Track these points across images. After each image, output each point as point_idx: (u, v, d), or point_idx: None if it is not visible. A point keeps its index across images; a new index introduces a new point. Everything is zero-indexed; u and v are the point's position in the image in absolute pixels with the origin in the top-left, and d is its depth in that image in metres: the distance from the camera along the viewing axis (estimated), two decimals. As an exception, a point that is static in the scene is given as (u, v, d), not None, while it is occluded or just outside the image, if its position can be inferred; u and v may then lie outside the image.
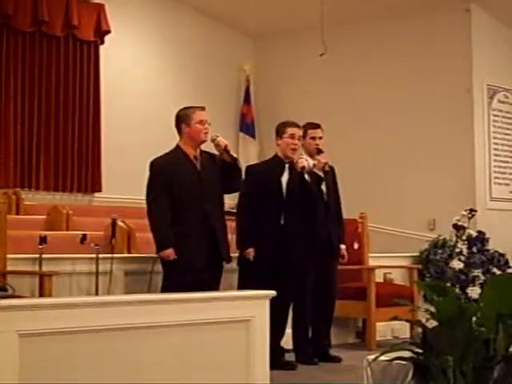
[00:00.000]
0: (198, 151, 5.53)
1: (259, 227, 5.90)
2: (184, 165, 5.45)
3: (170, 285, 5.28)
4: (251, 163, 6.14)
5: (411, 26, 9.23)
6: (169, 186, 5.37)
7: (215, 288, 5.29)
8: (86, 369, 3.04)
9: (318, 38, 8.90)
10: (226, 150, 5.45)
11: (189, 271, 5.27)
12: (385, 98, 9.35)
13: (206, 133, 5.47)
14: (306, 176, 5.95)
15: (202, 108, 5.58)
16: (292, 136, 6.01)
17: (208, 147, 5.71)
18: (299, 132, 6.08)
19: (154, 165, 5.50)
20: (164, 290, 5.38)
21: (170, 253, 5.34)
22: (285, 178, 6.02)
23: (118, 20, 9.22)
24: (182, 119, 5.53)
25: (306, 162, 5.99)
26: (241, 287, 5.86)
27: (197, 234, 5.37)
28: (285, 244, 5.91)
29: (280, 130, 6.10)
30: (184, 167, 5.45)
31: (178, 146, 5.56)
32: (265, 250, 5.85)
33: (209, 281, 5.30)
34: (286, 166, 6.05)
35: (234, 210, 6.29)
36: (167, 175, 5.40)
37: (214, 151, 5.65)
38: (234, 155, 5.49)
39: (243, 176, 5.95)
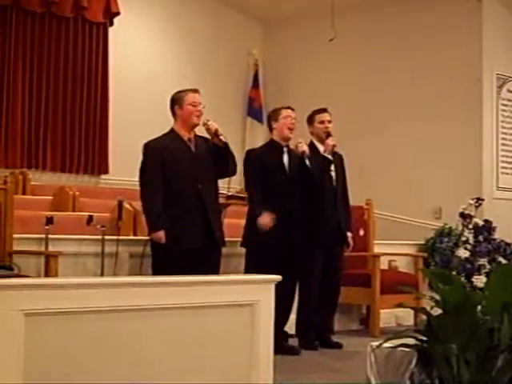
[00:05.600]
0: (193, 134, 5.50)
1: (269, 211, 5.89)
2: (179, 147, 5.43)
3: (164, 267, 5.22)
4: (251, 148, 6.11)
5: (422, 15, 9.19)
6: (163, 168, 5.35)
7: (213, 271, 5.20)
8: (90, 349, 3.05)
9: (327, 23, 8.89)
10: (216, 134, 5.40)
11: (183, 253, 5.24)
12: (393, 86, 9.32)
13: (197, 115, 5.44)
14: (307, 161, 5.93)
15: (195, 90, 5.55)
16: (287, 117, 6.04)
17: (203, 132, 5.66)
18: (293, 114, 6.09)
19: (149, 147, 5.47)
20: (157, 272, 5.30)
21: (161, 235, 5.30)
22: (285, 160, 6.03)
23: (128, 2, 9.20)
24: (175, 102, 5.53)
25: (305, 146, 5.99)
26: (247, 270, 5.86)
27: (190, 216, 5.33)
28: (292, 228, 5.92)
29: (274, 114, 6.15)
30: (179, 149, 5.42)
31: (172, 129, 5.53)
32: (274, 234, 5.83)
33: (205, 263, 5.27)
34: (284, 149, 6.04)
35: (242, 195, 6.28)
36: (162, 157, 5.38)
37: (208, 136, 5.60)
38: (224, 140, 5.41)
39: (244, 160, 6.00)
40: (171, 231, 5.30)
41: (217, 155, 5.44)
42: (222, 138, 5.39)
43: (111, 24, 9.15)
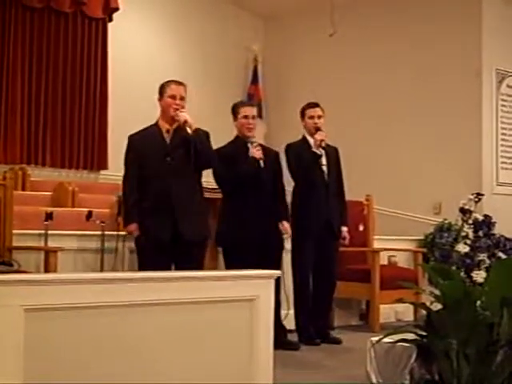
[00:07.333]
0: (174, 126, 5.37)
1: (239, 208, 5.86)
2: (154, 139, 5.37)
3: (142, 262, 5.31)
4: (219, 146, 5.96)
5: (421, 9, 9.18)
6: (137, 162, 5.33)
7: (191, 267, 4.93)
8: (90, 344, 3.05)
9: (326, 19, 8.89)
10: (183, 125, 5.28)
11: (153, 248, 5.22)
12: (393, 81, 9.32)
13: (175, 108, 5.33)
14: (262, 163, 5.89)
15: (179, 83, 5.44)
16: (245, 116, 5.96)
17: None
18: (253, 112, 6.04)
19: (128, 140, 5.47)
20: (139, 266, 5.35)
21: (132, 228, 5.30)
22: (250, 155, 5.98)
23: (127, -3, 9.20)
24: (159, 92, 5.47)
25: (257, 153, 5.89)
26: (227, 268, 5.79)
27: (158, 210, 5.27)
28: (265, 221, 5.86)
29: (234, 111, 6.05)
30: (153, 142, 5.36)
31: (156, 121, 5.48)
32: (249, 229, 5.78)
33: (183, 258, 5.24)
34: (249, 144, 5.98)
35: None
36: (136, 150, 5.36)
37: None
38: (190, 131, 5.25)
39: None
40: (142, 225, 5.29)
41: (188, 147, 5.30)
42: (188, 129, 5.26)
43: (110, 20, 9.15)
